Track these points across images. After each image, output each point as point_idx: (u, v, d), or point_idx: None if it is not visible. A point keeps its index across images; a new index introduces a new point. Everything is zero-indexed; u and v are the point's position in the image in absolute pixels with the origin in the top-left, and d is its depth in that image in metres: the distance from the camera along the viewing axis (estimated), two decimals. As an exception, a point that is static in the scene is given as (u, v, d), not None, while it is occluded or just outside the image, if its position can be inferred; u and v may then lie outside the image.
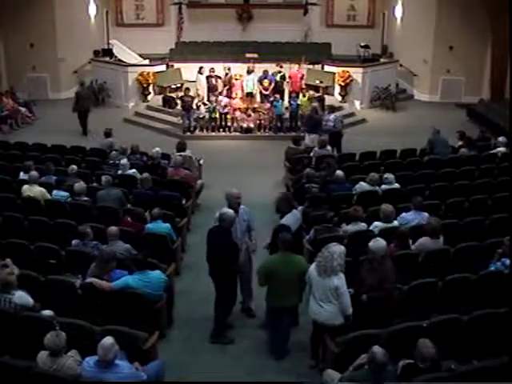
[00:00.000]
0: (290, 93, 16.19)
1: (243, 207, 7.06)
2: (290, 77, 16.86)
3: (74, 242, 7.24)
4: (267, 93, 16.02)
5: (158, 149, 10.85)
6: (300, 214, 7.64)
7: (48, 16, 18.22)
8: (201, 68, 16.46)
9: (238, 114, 15.51)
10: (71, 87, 18.25)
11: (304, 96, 15.28)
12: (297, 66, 16.96)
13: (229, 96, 15.82)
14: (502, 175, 9.95)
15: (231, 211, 6.64)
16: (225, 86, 16.24)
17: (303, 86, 16.57)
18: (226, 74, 16.38)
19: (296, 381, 6.09)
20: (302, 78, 16.89)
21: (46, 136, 13.55)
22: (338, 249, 5.83)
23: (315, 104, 14.39)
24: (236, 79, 16.21)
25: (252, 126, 15.40)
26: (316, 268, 5.89)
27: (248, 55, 17.98)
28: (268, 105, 15.55)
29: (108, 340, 4.77)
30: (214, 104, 15.19)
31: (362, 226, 7.61)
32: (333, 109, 13.51)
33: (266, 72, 16.28)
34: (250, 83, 16.23)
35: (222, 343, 6.68)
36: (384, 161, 11.10)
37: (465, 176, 10.14)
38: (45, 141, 12.47)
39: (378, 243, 6.09)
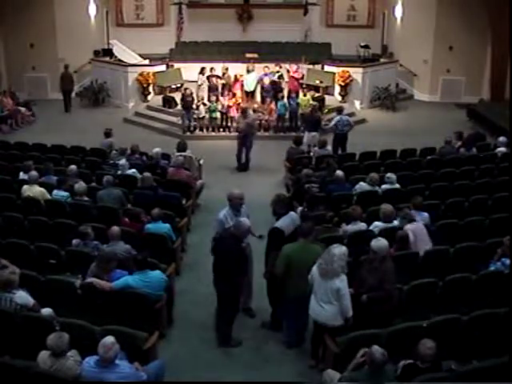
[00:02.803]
0: (290, 93, 16.16)
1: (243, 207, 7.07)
2: (291, 77, 16.79)
3: (74, 241, 7.24)
4: (268, 89, 15.95)
5: (158, 149, 10.84)
6: (298, 215, 7.63)
7: (48, 16, 18.24)
8: (202, 69, 16.44)
9: (236, 114, 15.48)
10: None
11: (305, 95, 15.27)
12: (294, 66, 16.92)
13: (226, 95, 15.83)
14: (502, 175, 9.95)
15: (247, 221, 6.58)
16: (223, 85, 16.25)
17: (304, 86, 16.55)
18: (224, 74, 16.38)
19: (296, 381, 6.09)
20: (302, 78, 16.87)
21: (46, 136, 13.56)
22: (338, 251, 5.82)
23: (315, 102, 14.40)
24: (236, 79, 16.21)
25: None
26: (318, 269, 5.90)
27: (248, 55, 18.01)
28: (272, 105, 15.54)
29: (109, 338, 4.79)
30: (215, 104, 15.20)
31: (362, 225, 7.62)
32: (339, 111, 13.46)
33: (266, 67, 16.27)
34: (250, 82, 16.24)
35: (231, 346, 6.64)
36: (384, 161, 11.10)
37: (465, 176, 10.14)
38: (45, 141, 12.48)
39: (380, 243, 6.09)
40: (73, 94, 18.42)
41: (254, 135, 13.07)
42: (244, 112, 13.12)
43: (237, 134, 13.20)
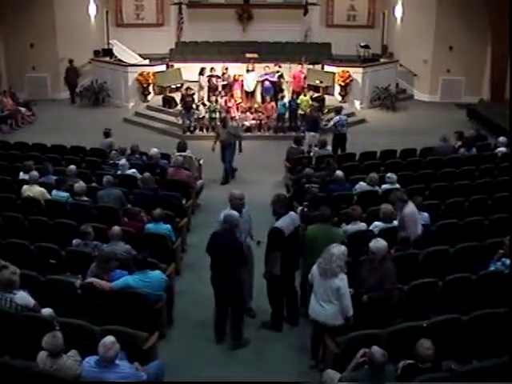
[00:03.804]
0: (293, 93, 16.14)
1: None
2: (293, 77, 16.76)
3: (74, 241, 7.24)
4: (268, 88, 15.93)
5: (155, 149, 10.83)
6: (298, 215, 7.63)
7: (48, 16, 18.24)
8: (202, 69, 16.45)
9: (237, 114, 15.48)
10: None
11: (305, 95, 15.26)
12: (299, 65, 16.92)
13: (226, 95, 15.83)
14: (502, 175, 9.95)
15: (235, 213, 6.63)
16: (223, 86, 16.25)
17: (305, 86, 16.56)
18: (223, 74, 16.39)
19: (296, 381, 6.09)
20: (304, 78, 16.89)
21: (46, 136, 13.56)
22: (337, 250, 5.82)
23: (314, 102, 14.39)
24: (236, 80, 16.21)
25: (253, 122, 15.39)
26: (317, 269, 5.89)
27: (248, 55, 17.98)
28: (272, 104, 15.53)
29: (109, 338, 4.79)
30: (215, 104, 15.20)
31: (362, 225, 7.62)
32: (338, 111, 13.44)
33: (267, 67, 16.27)
34: (250, 82, 16.24)
35: (242, 346, 6.64)
36: (384, 161, 11.10)
37: (465, 176, 10.14)
38: (45, 141, 12.47)
39: (379, 243, 6.09)
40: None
41: (235, 144, 12.15)
42: (224, 121, 12.63)
43: (219, 143, 12.14)
